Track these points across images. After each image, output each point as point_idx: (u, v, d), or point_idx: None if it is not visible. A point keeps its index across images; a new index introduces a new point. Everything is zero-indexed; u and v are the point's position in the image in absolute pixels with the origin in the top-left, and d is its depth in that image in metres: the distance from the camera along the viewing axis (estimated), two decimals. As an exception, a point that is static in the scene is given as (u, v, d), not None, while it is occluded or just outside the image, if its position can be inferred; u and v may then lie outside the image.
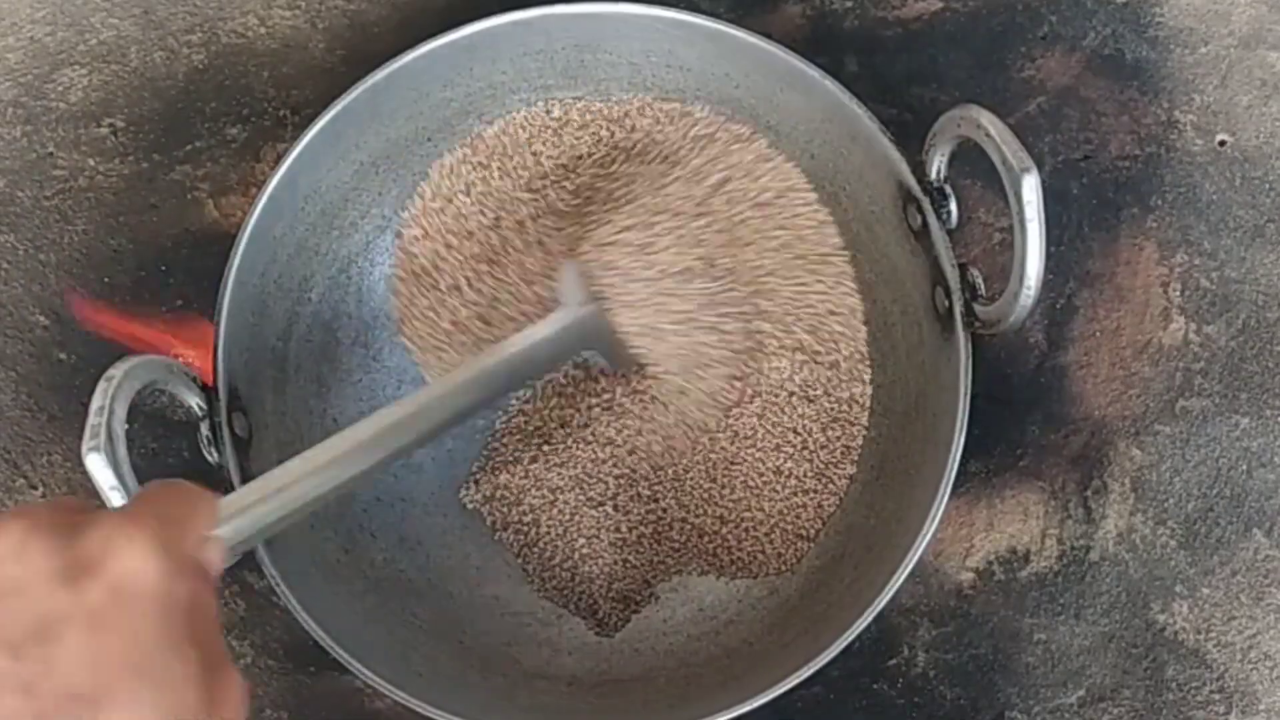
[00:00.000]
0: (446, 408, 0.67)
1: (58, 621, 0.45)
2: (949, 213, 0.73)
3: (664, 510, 0.81)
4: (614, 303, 0.75)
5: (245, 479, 0.71)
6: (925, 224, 0.74)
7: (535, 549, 0.81)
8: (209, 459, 0.71)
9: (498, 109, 0.82)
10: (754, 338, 0.79)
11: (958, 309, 0.72)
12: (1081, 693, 0.79)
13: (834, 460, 0.80)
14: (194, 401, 0.70)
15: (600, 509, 0.80)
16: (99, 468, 0.62)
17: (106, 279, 0.83)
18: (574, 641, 0.79)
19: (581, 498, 0.80)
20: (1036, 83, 0.85)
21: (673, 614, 0.80)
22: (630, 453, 0.81)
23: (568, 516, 0.80)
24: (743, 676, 0.74)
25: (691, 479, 0.81)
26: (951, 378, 0.72)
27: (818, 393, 0.80)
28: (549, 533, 0.80)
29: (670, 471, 0.81)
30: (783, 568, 0.80)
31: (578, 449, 0.80)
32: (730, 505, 0.80)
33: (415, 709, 0.70)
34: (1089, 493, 0.81)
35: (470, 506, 0.82)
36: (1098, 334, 0.82)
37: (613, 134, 0.82)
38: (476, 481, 0.81)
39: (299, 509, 0.59)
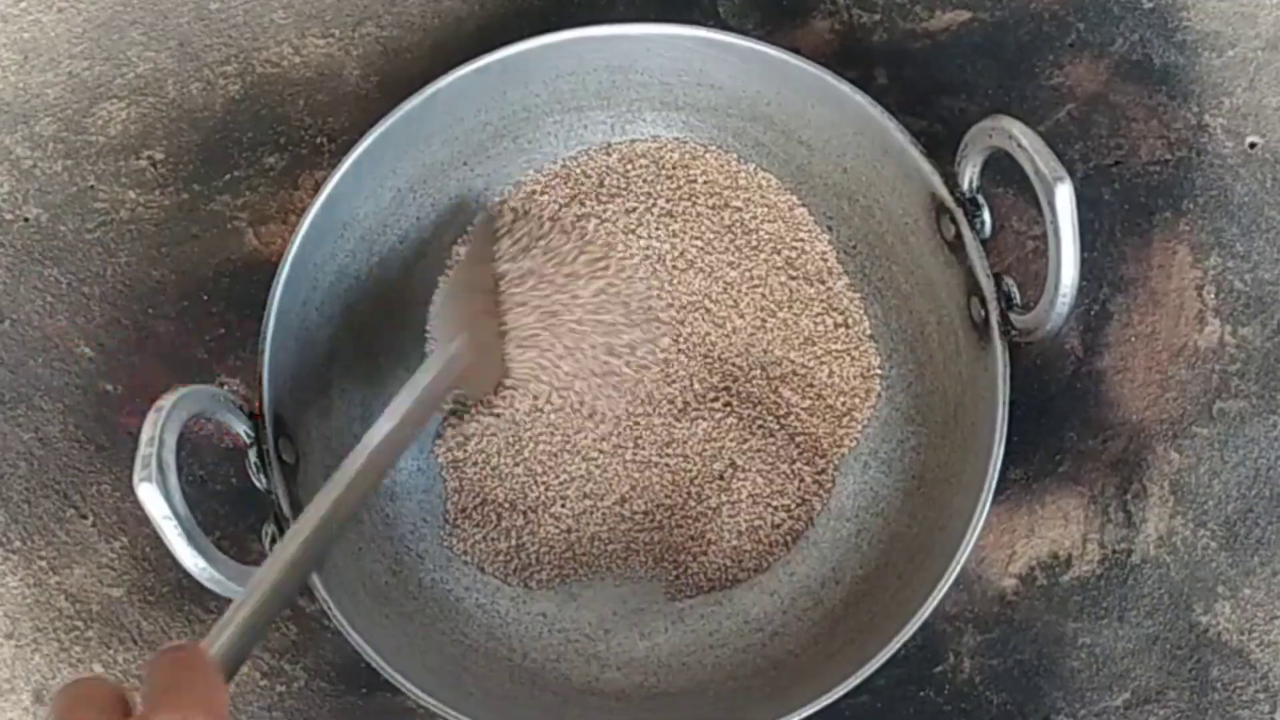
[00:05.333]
0: (350, 498, 0.66)
1: None
2: (982, 222, 0.73)
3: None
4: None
5: (294, 504, 0.72)
6: (959, 235, 0.74)
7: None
8: (258, 485, 0.72)
9: (532, 131, 0.83)
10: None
11: (994, 318, 0.73)
12: (1127, 695, 0.79)
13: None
14: (242, 429, 0.72)
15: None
16: (151, 498, 0.63)
17: (150, 310, 0.84)
18: (621, 656, 0.80)
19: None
20: (1065, 90, 0.85)
21: (719, 627, 0.80)
22: None
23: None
24: (790, 688, 0.74)
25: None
26: (989, 386, 0.73)
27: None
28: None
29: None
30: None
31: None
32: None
33: (467, 728, 0.71)
34: (1129, 496, 0.81)
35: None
36: (1133, 339, 0.83)
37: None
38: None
39: (263, 617, 0.59)
